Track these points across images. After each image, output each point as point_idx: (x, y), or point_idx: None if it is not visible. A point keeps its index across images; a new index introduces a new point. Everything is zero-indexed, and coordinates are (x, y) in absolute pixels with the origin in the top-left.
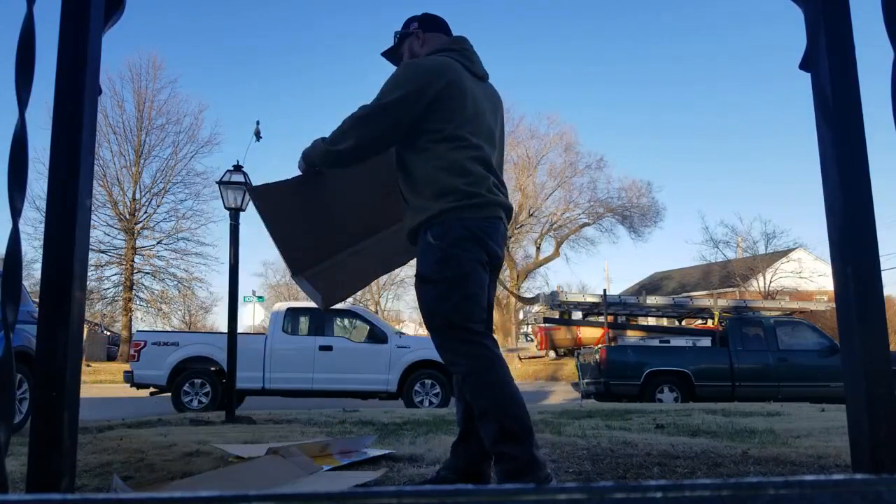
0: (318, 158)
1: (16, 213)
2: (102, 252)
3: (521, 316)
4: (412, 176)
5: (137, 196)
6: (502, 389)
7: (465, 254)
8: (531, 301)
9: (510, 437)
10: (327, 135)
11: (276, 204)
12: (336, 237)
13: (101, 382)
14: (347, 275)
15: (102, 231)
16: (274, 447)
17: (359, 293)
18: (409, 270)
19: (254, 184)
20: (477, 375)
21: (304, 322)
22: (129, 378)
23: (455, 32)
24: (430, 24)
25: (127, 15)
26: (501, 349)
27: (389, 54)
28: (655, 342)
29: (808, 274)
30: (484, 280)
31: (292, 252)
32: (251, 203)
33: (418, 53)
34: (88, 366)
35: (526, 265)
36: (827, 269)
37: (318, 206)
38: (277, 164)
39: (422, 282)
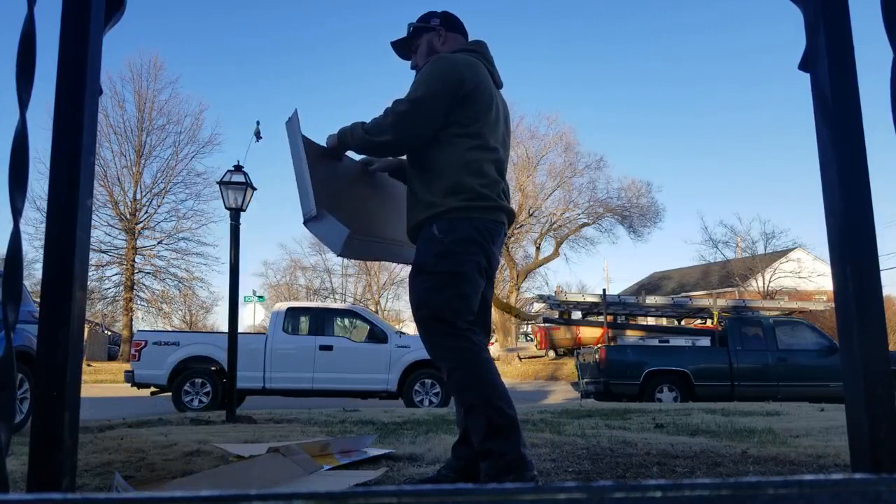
0: (354, 143)
1: (16, 213)
2: (103, 252)
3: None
4: (427, 168)
5: (138, 196)
6: (489, 383)
7: (467, 255)
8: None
9: (497, 432)
10: (366, 120)
11: (307, 144)
12: (355, 208)
13: (102, 382)
14: (373, 233)
15: (103, 231)
16: (275, 446)
17: (359, 292)
18: (409, 269)
19: (254, 184)
20: (463, 370)
21: (304, 322)
22: (130, 378)
23: None
24: (451, 25)
25: (127, 15)
26: (501, 349)
27: (401, 45)
28: (655, 342)
29: (808, 274)
30: (479, 284)
31: (318, 187)
32: (287, 139)
33: (439, 50)
34: (89, 365)
35: (526, 265)
36: (826, 269)
37: (339, 178)
38: (278, 164)
39: (417, 272)
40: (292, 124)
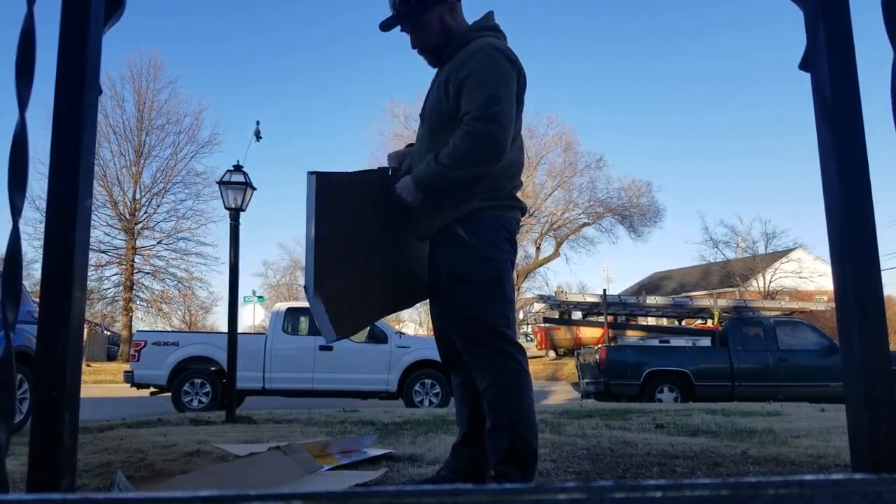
0: (435, 185)
1: (16, 212)
2: (103, 252)
3: (521, 315)
4: None
5: (137, 196)
6: (523, 410)
7: (502, 254)
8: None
9: (517, 460)
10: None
11: (332, 197)
12: (367, 251)
13: (102, 382)
14: (362, 304)
15: (102, 231)
16: (275, 446)
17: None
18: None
19: (254, 184)
20: (503, 388)
21: (304, 322)
22: (130, 378)
23: None
24: None
25: (127, 15)
26: None
27: (395, 19)
28: (655, 342)
29: (808, 274)
30: (514, 281)
31: (325, 258)
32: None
33: (451, 26)
34: (89, 366)
35: (526, 265)
36: (827, 269)
37: (362, 213)
38: (278, 164)
39: (455, 282)
40: (311, 183)
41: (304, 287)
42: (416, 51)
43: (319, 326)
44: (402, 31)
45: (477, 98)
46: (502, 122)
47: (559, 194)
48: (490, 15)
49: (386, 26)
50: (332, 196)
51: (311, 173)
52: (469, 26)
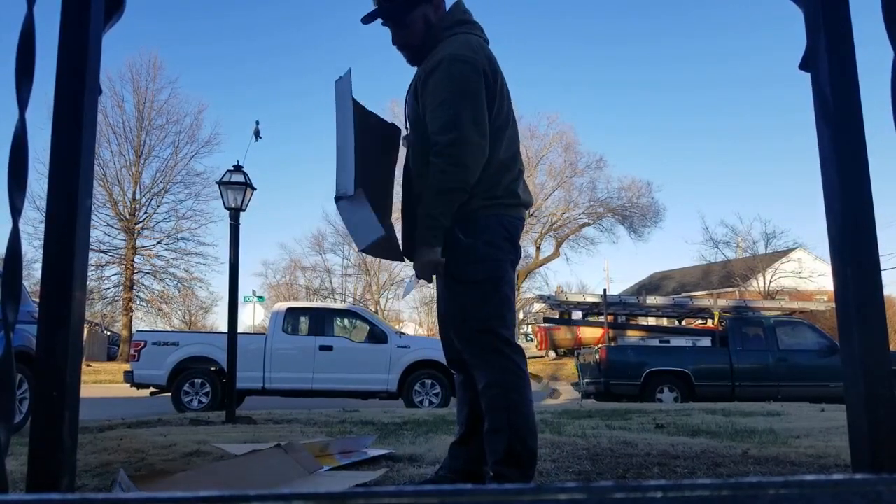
0: (439, 234)
1: (16, 212)
2: (102, 252)
3: (521, 315)
4: None
5: (137, 196)
6: (521, 411)
7: (500, 253)
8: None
9: (515, 462)
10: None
11: (358, 111)
12: (379, 177)
13: (101, 382)
14: (386, 217)
15: (102, 231)
16: (276, 444)
17: (359, 292)
18: (409, 269)
19: (254, 184)
20: (500, 389)
21: (304, 322)
22: (130, 378)
23: None
24: None
25: (127, 15)
26: None
27: (388, 17)
28: (655, 342)
29: (808, 274)
30: (514, 281)
31: (360, 165)
32: (336, 100)
33: (434, 23)
34: (89, 366)
35: (526, 265)
36: (827, 269)
37: (374, 143)
38: (278, 164)
39: (453, 283)
40: (343, 85)
41: (337, 193)
42: (395, 47)
43: (357, 229)
44: (383, 24)
45: (435, 121)
46: (464, 143)
47: (559, 194)
48: (458, 5)
49: (368, 19)
50: (359, 112)
51: (340, 79)
52: (440, 21)
